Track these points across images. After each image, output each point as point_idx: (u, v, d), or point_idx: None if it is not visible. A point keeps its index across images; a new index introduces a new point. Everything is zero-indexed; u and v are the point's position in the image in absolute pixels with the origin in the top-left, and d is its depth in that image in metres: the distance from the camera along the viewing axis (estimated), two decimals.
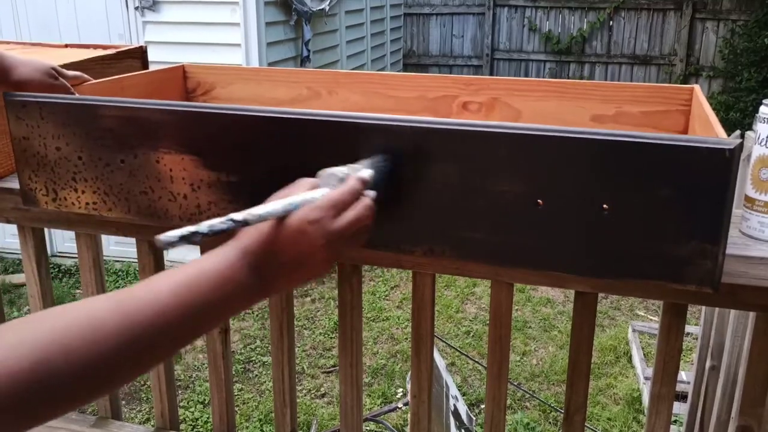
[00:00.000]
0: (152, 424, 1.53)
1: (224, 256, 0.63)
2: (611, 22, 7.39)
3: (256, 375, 3.35)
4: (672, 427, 1.08)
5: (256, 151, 0.98)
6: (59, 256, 4.25)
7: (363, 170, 0.74)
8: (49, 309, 0.55)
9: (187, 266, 0.61)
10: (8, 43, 1.56)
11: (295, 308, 1.26)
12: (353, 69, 5.29)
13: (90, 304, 0.57)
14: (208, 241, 0.62)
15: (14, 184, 1.18)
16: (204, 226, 0.60)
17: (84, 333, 0.53)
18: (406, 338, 3.58)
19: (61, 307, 0.56)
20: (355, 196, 0.69)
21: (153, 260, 1.28)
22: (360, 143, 0.91)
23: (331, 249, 0.67)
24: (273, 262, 0.65)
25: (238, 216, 0.61)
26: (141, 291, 0.58)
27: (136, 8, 4.00)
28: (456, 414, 2.29)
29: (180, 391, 3.18)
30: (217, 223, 0.60)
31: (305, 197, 0.67)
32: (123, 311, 0.56)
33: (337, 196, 0.68)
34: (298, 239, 0.65)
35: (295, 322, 3.43)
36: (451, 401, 2.30)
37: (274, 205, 0.65)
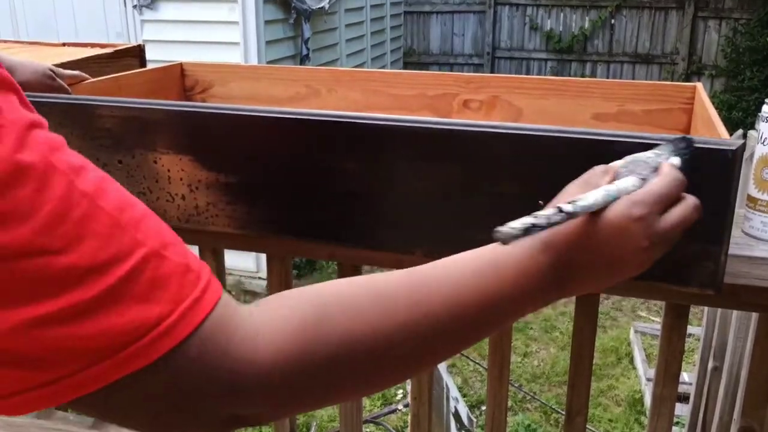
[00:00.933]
0: None
1: (524, 246, 0.54)
2: (613, 21, 7.38)
3: None
4: (674, 428, 1.07)
5: (255, 152, 0.97)
6: None
7: (672, 157, 0.63)
8: (330, 282, 0.50)
9: (479, 252, 0.54)
10: (6, 41, 1.55)
11: None
12: (353, 67, 5.28)
13: (376, 277, 0.51)
14: None
15: None
16: (542, 218, 0.54)
17: (373, 307, 0.47)
18: None
19: (345, 281, 0.50)
20: (681, 188, 0.58)
21: None
22: (359, 143, 0.91)
23: (653, 251, 0.57)
24: (580, 260, 0.55)
25: (568, 207, 0.55)
26: (430, 269, 0.53)
27: (134, 6, 3.99)
28: (456, 416, 2.28)
29: None
30: (552, 214, 0.54)
31: (620, 187, 0.57)
32: (414, 285, 0.50)
33: (665, 189, 0.57)
34: (616, 237, 0.55)
35: None
36: (452, 403, 2.29)
37: (595, 194, 0.56)
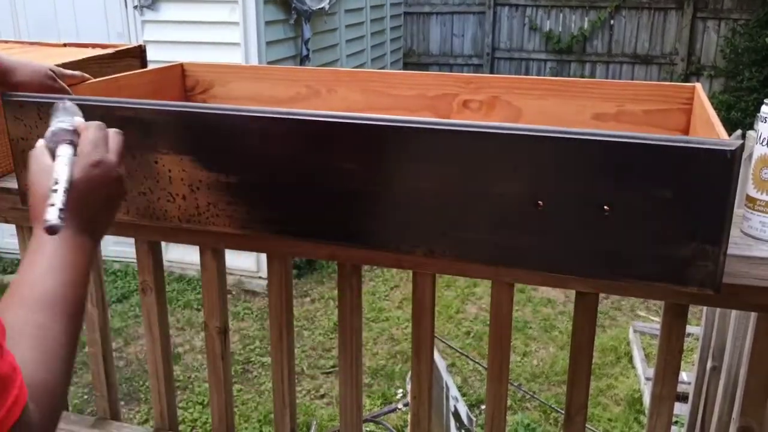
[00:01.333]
0: (151, 424, 1.52)
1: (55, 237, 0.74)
2: (612, 21, 7.38)
3: (256, 376, 3.35)
4: (673, 427, 1.08)
5: (255, 152, 0.97)
6: None
7: (77, 118, 0.85)
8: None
9: (39, 262, 0.72)
10: (7, 42, 1.55)
11: (294, 308, 1.25)
12: (353, 68, 5.27)
13: (27, 317, 0.66)
14: None
15: (12, 183, 1.17)
16: (54, 211, 0.71)
17: (52, 343, 0.65)
18: (406, 339, 3.58)
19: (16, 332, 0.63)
20: (103, 128, 0.82)
21: (152, 260, 1.28)
22: (359, 143, 0.91)
23: (120, 172, 0.81)
24: (88, 214, 0.77)
25: (59, 188, 0.73)
26: (48, 294, 0.69)
27: (135, 7, 3.99)
28: (456, 415, 2.28)
29: (179, 392, 3.17)
30: (61, 202, 0.72)
31: (67, 154, 0.78)
32: (54, 312, 0.68)
33: (93, 136, 0.80)
34: (95, 184, 0.77)
35: (295, 323, 3.43)
36: (452, 402, 2.29)
37: (61, 174, 0.75)
